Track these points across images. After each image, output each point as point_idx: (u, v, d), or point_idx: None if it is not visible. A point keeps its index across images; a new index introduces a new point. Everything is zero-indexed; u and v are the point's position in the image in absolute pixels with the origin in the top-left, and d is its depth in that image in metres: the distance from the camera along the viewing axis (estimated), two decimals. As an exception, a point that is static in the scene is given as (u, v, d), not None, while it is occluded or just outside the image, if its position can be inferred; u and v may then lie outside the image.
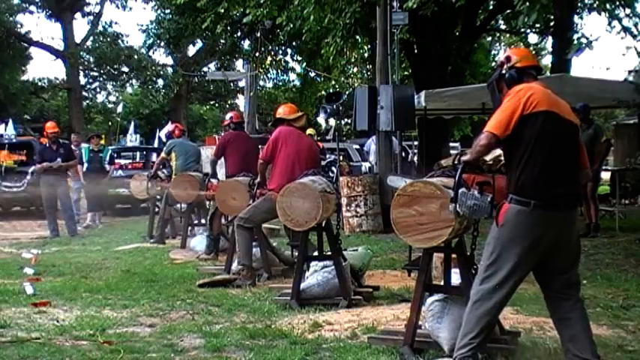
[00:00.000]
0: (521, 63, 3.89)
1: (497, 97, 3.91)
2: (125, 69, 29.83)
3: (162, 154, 10.82)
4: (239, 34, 21.39)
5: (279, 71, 27.27)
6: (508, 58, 3.94)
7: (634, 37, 14.10)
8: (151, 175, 10.95)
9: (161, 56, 30.35)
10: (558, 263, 3.76)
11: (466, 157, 3.80)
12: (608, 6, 11.79)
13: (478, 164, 3.88)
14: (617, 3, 11.96)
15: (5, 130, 18.71)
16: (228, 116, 9.34)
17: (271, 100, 31.86)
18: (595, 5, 15.10)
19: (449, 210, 3.83)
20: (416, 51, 16.29)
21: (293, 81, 29.12)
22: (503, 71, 3.91)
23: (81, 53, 29.06)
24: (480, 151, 3.72)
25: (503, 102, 3.74)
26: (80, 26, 63.29)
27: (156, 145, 22.55)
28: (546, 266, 3.79)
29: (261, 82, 27.12)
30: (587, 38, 8.60)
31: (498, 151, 3.92)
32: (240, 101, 33.75)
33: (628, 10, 12.88)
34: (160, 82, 29.33)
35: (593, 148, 9.67)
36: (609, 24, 13.26)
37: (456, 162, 3.90)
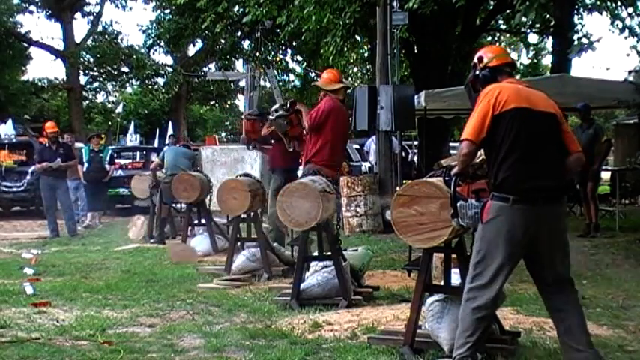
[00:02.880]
0: (493, 62, 3.94)
1: (473, 97, 3.95)
2: (125, 69, 29.81)
3: (157, 160, 11.43)
4: (239, 34, 21.38)
5: (279, 71, 27.24)
6: (480, 59, 4.00)
7: (635, 36, 14.07)
8: (152, 184, 11.04)
9: (160, 55, 30.36)
10: (544, 257, 3.78)
11: (455, 169, 3.83)
12: (609, 5, 11.77)
13: (468, 172, 3.88)
14: (619, 2, 11.94)
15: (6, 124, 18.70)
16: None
17: (272, 100, 31.83)
18: (596, 4, 15.08)
19: (452, 224, 3.85)
20: (416, 51, 16.28)
21: (293, 81, 29.10)
22: (477, 72, 3.97)
23: (81, 53, 29.03)
24: (464, 161, 3.76)
25: (475, 106, 3.79)
26: (80, 26, 63.26)
27: (156, 145, 22.56)
28: (534, 260, 3.82)
29: (261, 82, 27.11)
30: (588, 38, 8.59)
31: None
32: (241, 101, 33.75)
33: (630, 10, 12.86)
34: (160, 81, 29.31)
35: (593, 148, 9.67)
36: (612, 23, 13.24)
37: (446, 178, 3.90)
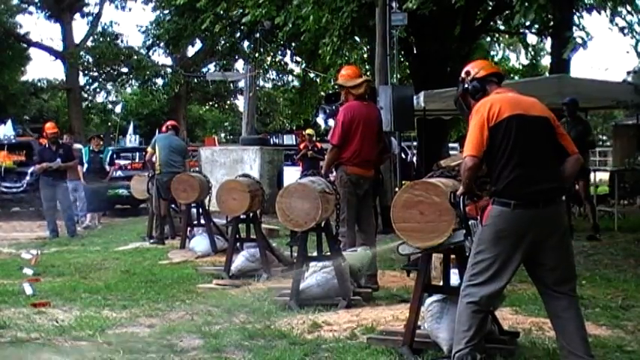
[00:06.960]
0: (480, 73, 4.03)
1: (466, 113, 4.04)
2: (125, 69, 29.82)
3: (149, 149, 11.09)
4: (238, 34, 21.39)
5: (278, 71, 27.25)
6: (467, 73, 4.08)
7: (634, 36, 14.04)
8: (151, 175, 10.99)
9: (160, 56, 30.37)
10: (547, 259, 3.80)
11: (461, 189, 3.88)
12: (609, 3, 11.74)
13: (474, 189, 3.92)
14: (618, 0, 11.90)
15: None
16: None
17: (271, 101, 31.83)
18: (595, 3, 15.03)
19: (466, 244, 3.94)
20: (415, 51, 16.28)
21: (292, 81, 29.11)
22: (466, 85, 4.04)
23: (80, 54, 29.03)
24: (469, 176, 3.81)
25: (470, 122, 3.86)
26: (80, 27, 63.30)
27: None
28: (536, 262, 3.84)
29: (261, 83, 27.12)
30: (582, 38, 8.58)
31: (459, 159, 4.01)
32: (240, 102, 33.74)
33: (629, 7, 12.82)
34: (160, 81, 29.30)
35: (583, 144, 9.57)
36: (611, 21, 13.19)
37: (452, 201, 3.92)
